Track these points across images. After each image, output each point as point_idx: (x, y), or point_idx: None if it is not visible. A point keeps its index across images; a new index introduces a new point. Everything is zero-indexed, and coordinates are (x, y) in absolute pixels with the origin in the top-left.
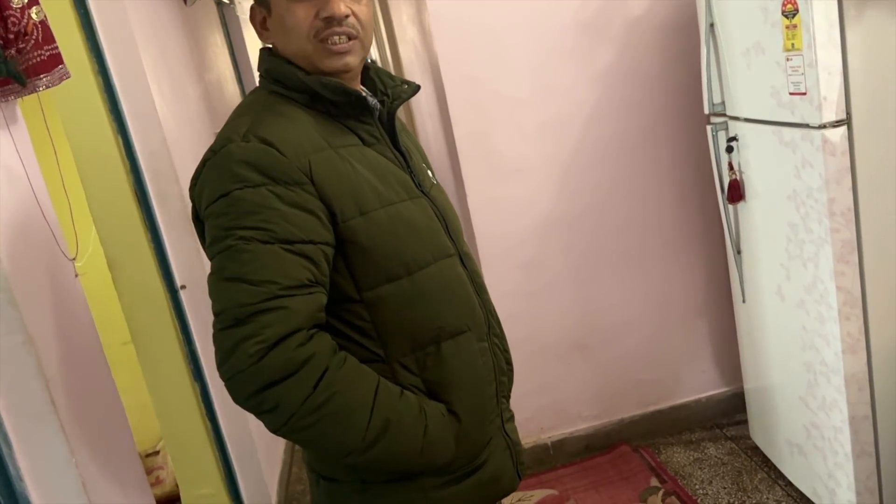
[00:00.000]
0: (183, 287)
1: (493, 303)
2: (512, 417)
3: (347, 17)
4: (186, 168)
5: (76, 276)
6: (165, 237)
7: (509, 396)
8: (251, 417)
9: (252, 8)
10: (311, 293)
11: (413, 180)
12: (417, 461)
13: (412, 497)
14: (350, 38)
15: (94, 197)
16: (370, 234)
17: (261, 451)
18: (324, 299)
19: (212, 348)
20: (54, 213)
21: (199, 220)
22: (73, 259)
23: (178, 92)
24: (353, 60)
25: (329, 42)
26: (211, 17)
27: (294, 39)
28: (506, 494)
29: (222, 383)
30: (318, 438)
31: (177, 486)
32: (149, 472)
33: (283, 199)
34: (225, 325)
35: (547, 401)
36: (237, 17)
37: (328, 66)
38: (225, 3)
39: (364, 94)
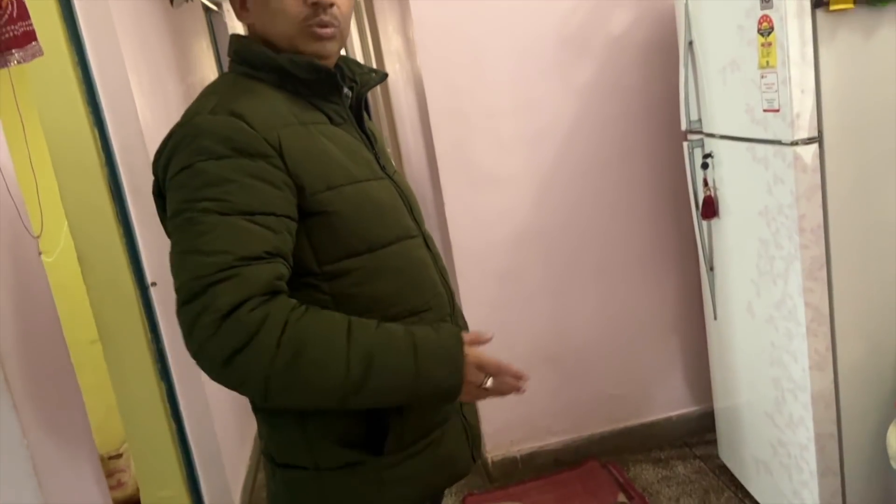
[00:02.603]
0: (153, 284)
1: (462, 290)
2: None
3: (332, 5)
4: None
5: (39, 254)
6: (138, 233)
7: None
8: (217, 419)
9: None
10: (269, 263)
11: (378, 163)
12: (419, 384)
13: (368, 478)
14: (331, 26)
15: (67, 189)
16: (337, 207)
17: (226, 455)
18: (283, 269)
19: (180, 346)
20: (19, 190)
21: (160, 195)
22: (38, 237)
23: (157, 89)
24: (332, 47)
25: (313, 27)
26: (198, 22)
27: (278, 22)
28: (461, 477)
29: (189, 382)
30: (307, 393)
31: (138, 489)
32: (111, 474)
33: (248, 172)
34: (184, 300)
35: (517, 413)
36: (225, 24)
37: (311, 49)
38: (213, 9)
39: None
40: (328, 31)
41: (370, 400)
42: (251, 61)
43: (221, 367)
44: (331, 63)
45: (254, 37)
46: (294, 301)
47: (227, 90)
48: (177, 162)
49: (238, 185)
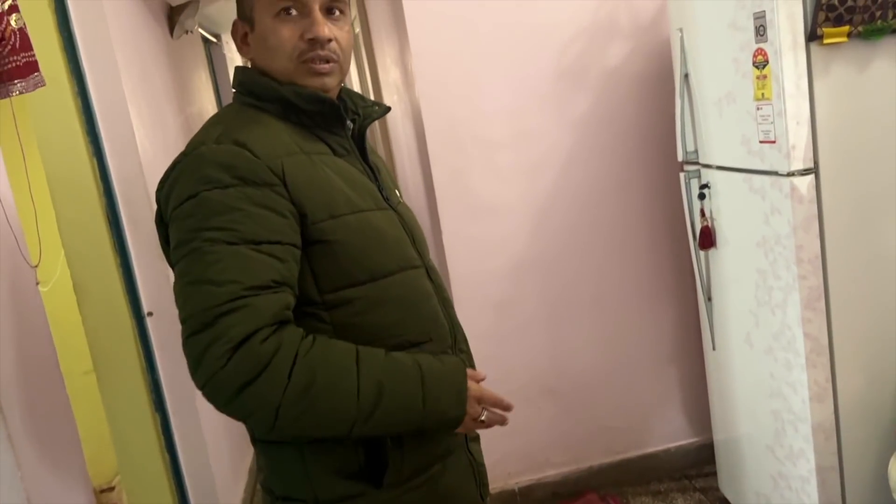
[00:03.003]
0: (150, 314)
1: (459, 319)
2: (477, 438)
3: (330, 41)
4: None
5: (37, 283)
6: (135, 263)
7: None
8: (211, 451)
9: (234, 23)
10: (276, 293)
11: (381, 193)
12: (426, 413)
13: None
14: (330, 61)
15: (64, 219)
16: (339, 236)
17: (220, 489)
18: (290, 298)
19: (175, 377)
20: (18, 219)
21: (163, 223)
22: (36, 266)
23: (157, 120)
24: (331, 82)
25: (311, 63)
26: (197, 54)
27: (277, 57)
28: None
29: (184, 414)
30: (316, 423)
31: None
32: None
33: (253, 200)
34: (192, 330)
35: (515, 445)
36: (224, 56)
37: (309, 84)
38: (212, 41)
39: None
40: (326, 66)
41: (378, 429)
42: (255, 92)
43: (232, 397)
44: (332, 96)
45: (256, 70)
46: (302, 331)
47: (231, 120)
48: (181, 191)
49: (244, 213)
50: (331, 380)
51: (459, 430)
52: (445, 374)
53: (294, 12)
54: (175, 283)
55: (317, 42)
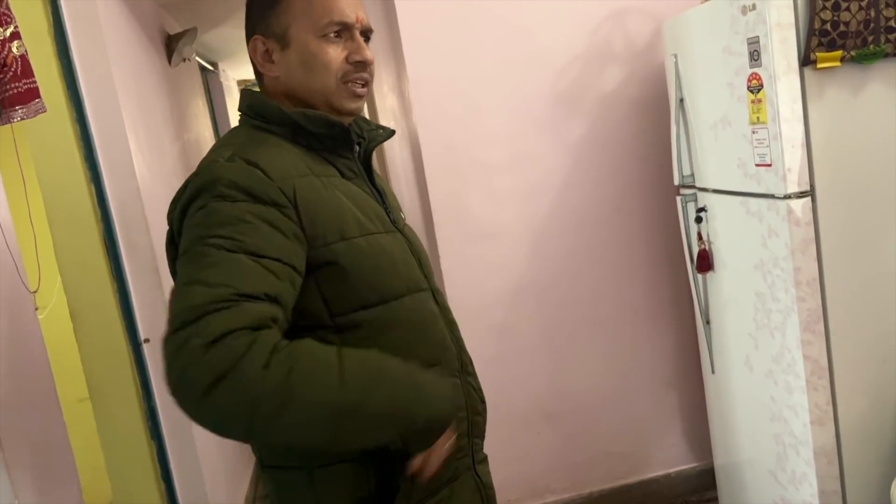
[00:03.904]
0: (146, 340)
1: (464, 341)
2: (485, 459)
3: (372, 64)
4: (159, 220)
5: (36, 309)
6: (132, 289)
7: (483, 437)
8: (207, 480)
9: (255, 39)
10: (266, 304)
11: (388, 216)
12: (417, 398)
13: None
14: (366, 84)
15: (61, 245)
16: (350, 258)
17: None
18: (279, 314)
19: (171, 405)
20: (17, 245)
21: (173, 244)
22: (35, 292)
23: (155, 146)
24: (361, 106)
25: (352, 84)
26: (194, 81)
27: (319, 76)
28: None
29: (180, 442)
30: (298, 419)
31: None
32: None
33: (260, 216)
34: (174, 328)
35: (515, 471)
36: (220, 83)
37: (346, 106)
38: (209, 69)
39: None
40: (364, 90)
41: (368, 422)
42: (265, 115)
43: (203, 395)
44: (350, 120)
45: (272, 91)
46: (279, 333)
47: (242, 142)
48: (192, 207)
49: (250, 226)
50: (312, 369)
51: (437, 442)
52: (436, 379)
53: (339, 35)
54: (172, 287)
55: (362, 65)
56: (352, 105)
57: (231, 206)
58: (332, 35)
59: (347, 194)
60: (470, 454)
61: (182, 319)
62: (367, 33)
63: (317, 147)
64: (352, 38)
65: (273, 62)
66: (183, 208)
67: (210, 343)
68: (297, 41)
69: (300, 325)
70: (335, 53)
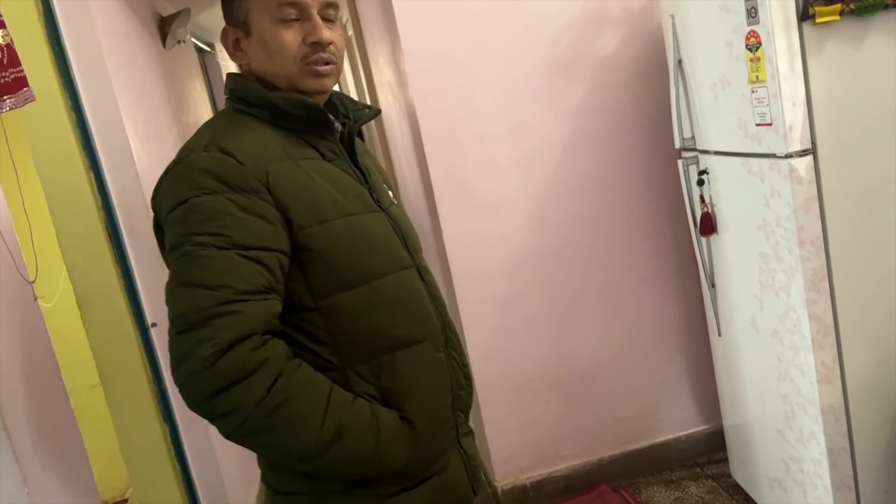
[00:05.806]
0: (154, 325)
1: (451, 318)
2: (470, 433)
3: (331, 43)
4: None
5: (35, 299)
6: (137, 274)
7: (467, 411)
8: (222, 461)
9: (225, 29)
10: (266, 299)
11: (371, 196)
12: (371, 467)
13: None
14: (330, 63)
15: (64, 233)
16: (327, 242)
17: (231, 497)
18: (278, 306)
19: None
20: (15, 235)
21: (160, 229)
22: (33, 282)
23: (152, 130)
24: (329, 83)
25: (313, 65)
26: (191, 63)
27: (278, 61)
28: None
29: (192, 423)
30: (272, 443)
31: None
32: None
33: (241, 206)
34: (180, 329)
35: (525, 440)
36: (218, 64)
37: (310, 86)
38: (206, 50)
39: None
40: (327, 68)
41: (324, 466)
42: (246, 98)
43: (208, 397)
44: (325, 99)
45: (248, 76)
46: (289, 350)
47: (221, 127)
48: (173, 197)
49: (234, 219)
50: (301, 408)
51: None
52: (400, 433)
53: (294, 17)
54: (167, 284)
55: (319, 45)
56: (316, 84)
57: (211, 199)
58: (288, 18)
59: (326, 176)
60: (454, 427)
61: (189, 321)
62: (327, 10)
63: (297, 129)
64: (307, 18)
65: (242, 50)
66: (163, 197)
67: (222, 351)
68: (256, 27)
69: (286, 306)
70: (291, 37)
